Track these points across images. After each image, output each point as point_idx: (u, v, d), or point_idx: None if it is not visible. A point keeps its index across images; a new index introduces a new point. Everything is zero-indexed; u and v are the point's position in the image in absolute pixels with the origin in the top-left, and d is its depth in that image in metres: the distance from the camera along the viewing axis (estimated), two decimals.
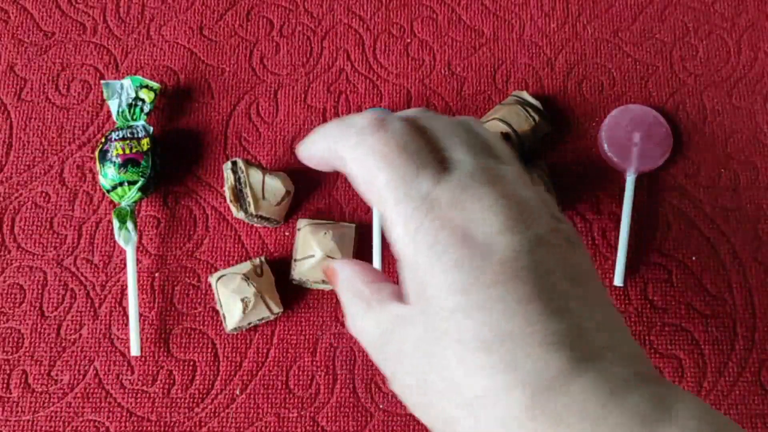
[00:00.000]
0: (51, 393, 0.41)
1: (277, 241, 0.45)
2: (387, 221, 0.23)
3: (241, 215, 0.42)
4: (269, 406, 0.41)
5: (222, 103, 0.48)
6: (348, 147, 0.24)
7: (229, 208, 0.45)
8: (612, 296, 0.44)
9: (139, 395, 0.41)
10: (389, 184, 0.23)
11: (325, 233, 0.42)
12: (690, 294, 0.44)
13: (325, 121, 0.47)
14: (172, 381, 0.42)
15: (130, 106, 0.45)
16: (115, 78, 0.48)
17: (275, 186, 0.42)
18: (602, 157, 0.47)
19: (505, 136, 0.44)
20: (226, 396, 0.41)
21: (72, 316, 0.43)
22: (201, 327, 0.43)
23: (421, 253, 0.22)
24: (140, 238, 0.44)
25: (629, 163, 0.45)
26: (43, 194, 0.45)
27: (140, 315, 0.42)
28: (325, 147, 0.26)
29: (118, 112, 0.45)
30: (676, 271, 0.44)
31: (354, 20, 0.50)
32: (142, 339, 0.42)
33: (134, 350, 0.41)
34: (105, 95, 0.45)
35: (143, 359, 0.42)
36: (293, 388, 0.42)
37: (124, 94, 0.45)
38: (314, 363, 0.42)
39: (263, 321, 0.42)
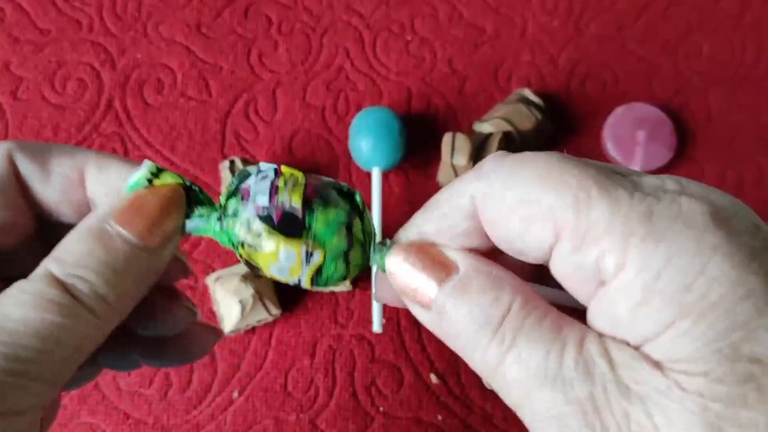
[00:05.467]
0: None
1: None
2: (582, 232, 0.16)
3: None
4: (267, 409, 0.41)
5: (219, 102, 0.47)
6: (481, 179, 0.18)
7: None
8: None
9: (135, 397, 0.41)
10: (583, 184, 0.16)
11: None
12: None
13: (324, 120, 0.47)
14: (168, 383, 0.41)
15: None
16: (111, 75, 0.47)
17: None
18: (606, 156, 0.46)
19: (508, 135, 0.43)
20: (224, 399, 0.41)
21: None
22: None
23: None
24: None
25: (633, 162, 0.44)
26: None
27: None
28: (444, 205, 0.19)
29: None
30: None
31: (354, 17, 0.49)
32: None
33: None
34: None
35: None
36: (292, 390, 0.41)
37: None
38: (313, 365, 0.42)
39: (261, 323, 0.41)
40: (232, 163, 0.42)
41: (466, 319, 0.18)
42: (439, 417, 0.41)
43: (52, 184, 0.20)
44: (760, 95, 0.48)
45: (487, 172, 0.18)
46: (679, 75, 0.48)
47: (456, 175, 0.41)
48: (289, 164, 0.46)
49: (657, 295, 0.15)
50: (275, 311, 0.41)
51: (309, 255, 0.19)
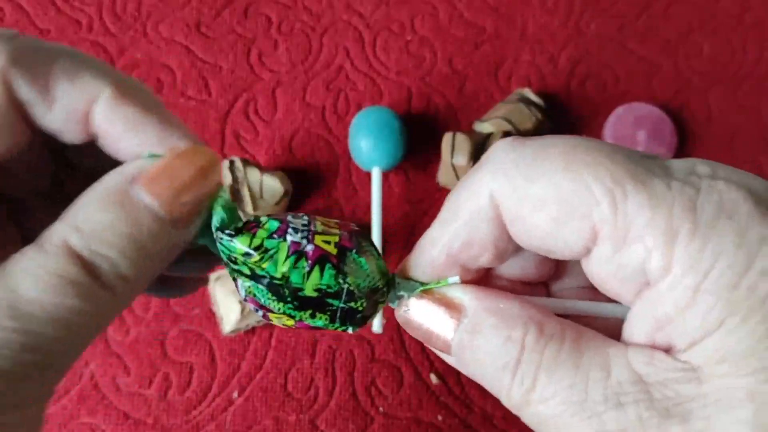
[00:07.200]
0: None
1: None
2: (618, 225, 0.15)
3: None
4: (267, 409, 0.41)
5: (219, 101, 0.47)
6: (497, 173, 0.17)
7: None
8: None
9: (135, 398, 0.41)
10: (616, 175, 0.15)
11: None
12: None
13: (324, 120, 0.47)
14: (168, 384, 0.41)
15: None
16: None
17: (273, 186, 0.42)
18: None
19: (508, 135, 0.43)
20: (224, 399, 0.41)
21: None
22: (198, 329, 0.42)
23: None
24: None
25: None
26: None
27: (137, 316, 0.42)
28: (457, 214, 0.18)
29: None
30: None
31: (354, 17, 0.49)
32: (138, 341, 0.41)
33: None
34: None
35: (140, 361, 0.41)
36: (292, 391, 0.41)
37: None
38: (313, 366, 0.42)
39: (261, 323, 0.41)
40: (231, 163, 0.42)
41: (484, 363, 0.17)
42: (439, 417, 0.41)
43: (54, 113, 0.17)
44: (761, 95, 0.48)
45: (502, 165, 0.17)
46: (680, 75, 0.48)
47: (456, 175, 0.41)
48: (288, 165, 0.46)
49: (706, 294, 0.14)
50: None
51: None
